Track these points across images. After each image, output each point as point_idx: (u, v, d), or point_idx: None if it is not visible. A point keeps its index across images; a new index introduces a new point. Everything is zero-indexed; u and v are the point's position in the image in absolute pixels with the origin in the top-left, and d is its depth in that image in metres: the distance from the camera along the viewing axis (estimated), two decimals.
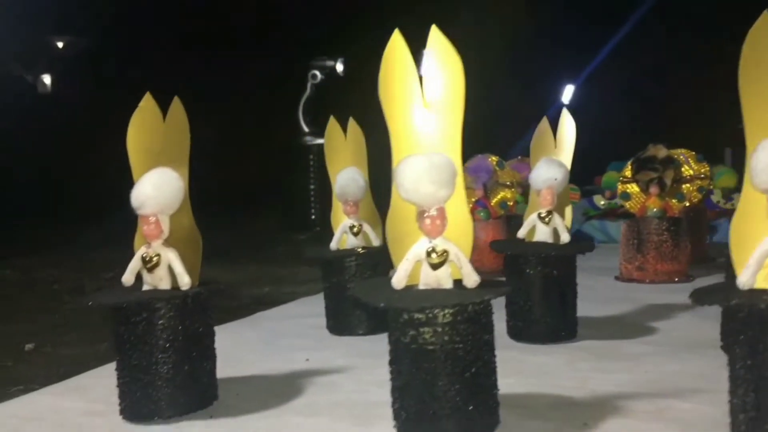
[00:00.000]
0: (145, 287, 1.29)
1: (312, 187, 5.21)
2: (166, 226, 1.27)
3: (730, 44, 1.09)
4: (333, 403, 1.29)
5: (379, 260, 1.86)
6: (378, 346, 1.67)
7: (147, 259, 1.28)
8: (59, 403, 1.37)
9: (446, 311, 1.04)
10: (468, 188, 2.79)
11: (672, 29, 6.19)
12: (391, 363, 1.11)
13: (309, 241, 4.29)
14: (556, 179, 1.65)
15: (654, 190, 2.41)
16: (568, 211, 1.77)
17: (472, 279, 1.10)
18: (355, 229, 1.84)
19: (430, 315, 1.04)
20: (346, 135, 1.90)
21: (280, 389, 1.39)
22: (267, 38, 6.16)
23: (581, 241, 3.53)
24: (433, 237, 1.09)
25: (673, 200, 2.52)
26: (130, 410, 1.24)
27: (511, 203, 2.84)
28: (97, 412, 1.30)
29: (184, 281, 1.27)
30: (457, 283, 1.11)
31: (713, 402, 1.13)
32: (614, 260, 2.58)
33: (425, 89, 1.12)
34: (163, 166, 1.29)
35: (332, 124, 1.90)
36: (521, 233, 1.72)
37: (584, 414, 1.17)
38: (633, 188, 2.58)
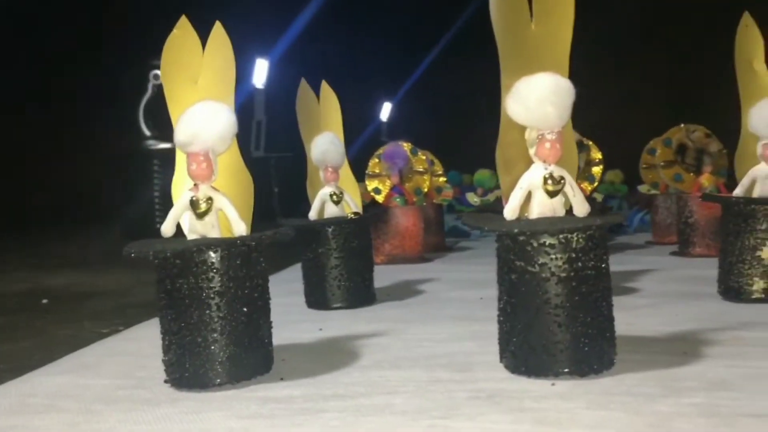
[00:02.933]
0: (191, 237, 1.12)
1: (156, 194, 4.86)
2: (216, 166, 1.11)
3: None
4: (403, 358, 1.19)
5: (366, 228, 1.77)
6: (383, 314, 1.60)
7: (197, 202, 1.10)
8: (83, 381, 1.14)
9: (579, 236, 1.00)
10: (384, 174, 2.76)
11: (469, 61, 6.78)
12: (506, 297, 1.04)
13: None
14: None
15: None
16: None
17: (585, 207, 1.07)
18: (335, 198, 1.73)
19: (563, 240, 1.00)
20: (319, 99, 1.79)
21: (327, 352, 1.26)
22: (103, 34, 5.71)
23: (461, 235, 3.64)
24: (551, 162, 1.05)
25: (585, 183, 2.66)
26: (185, 377, 1.06)
27: (426, 189, 2.84)
28: (131, 384, 1.10)
29: (241, 228, 1.12)
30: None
31: None
32: None
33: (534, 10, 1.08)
34: (206, 98, 1.13)
35: (304, 87, 1.79)
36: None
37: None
38: None
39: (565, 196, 1.06)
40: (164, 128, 4.94)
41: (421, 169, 2.85)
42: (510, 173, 1.08)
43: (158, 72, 4.92)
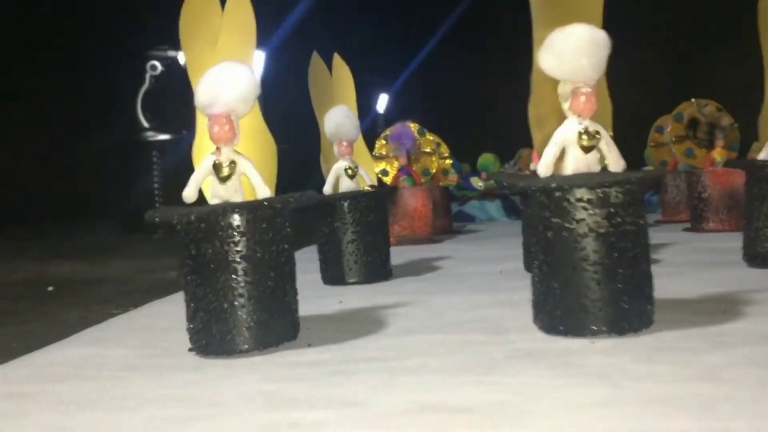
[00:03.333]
0: (214, 201, 1.09)
1: (156, 186, 4.81)
2: (239, 129, 1.08)
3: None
4: (431, 325, 1.16)
5: (382, 203, 1.74)
6: (402, 288, 1.57)
7: (220, 166, 1.07)
8: (104, 351, 1.10)
9: (617, 190, 0.97)
10: (391, 156, 2.73)
11: (468, 50, 6.78)
12: (542, 256, 1.01)
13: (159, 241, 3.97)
14: None
15: None
16: None
17: (621, 163, 1.04)
18: (350, 172, 1.70)
19: (601, 194, 0.97)
20: (331, 72, 1.76)
21: (351, 321, 1.23)
22: (100, 23, 5.65)
23: (465, 220, 3.62)
24: (586, 117, 1.02)
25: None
26: (211, 344, 1.03)
27: (434, 171, 2.81)
28: (155, 354, 1.06)
29: (265, 193, 1.08)
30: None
31: None
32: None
33: None
34: (226, 59, 1.09)
35: (316, 60, 1.75)
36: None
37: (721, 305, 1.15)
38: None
39: (600, 152, 1.03)
40: (162, 119, 4.93)
41: (428, 150, 2.82)
42: (542, 129, 1.05)
43: (155, 63, 4.91)
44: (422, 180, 2.76)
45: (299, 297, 1.13)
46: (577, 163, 1.03)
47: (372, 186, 1.69)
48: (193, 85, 1.10)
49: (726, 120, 2.55)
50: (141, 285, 2.21)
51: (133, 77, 4.93)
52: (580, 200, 0.97)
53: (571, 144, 1.02)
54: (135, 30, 5.40)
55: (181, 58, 4.92)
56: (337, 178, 1.70)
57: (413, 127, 2.79)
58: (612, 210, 0.97)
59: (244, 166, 1.08)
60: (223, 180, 1.07)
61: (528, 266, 1.68)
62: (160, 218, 1.04)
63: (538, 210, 1.02)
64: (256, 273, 1.03)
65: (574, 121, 1.02)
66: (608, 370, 0.83)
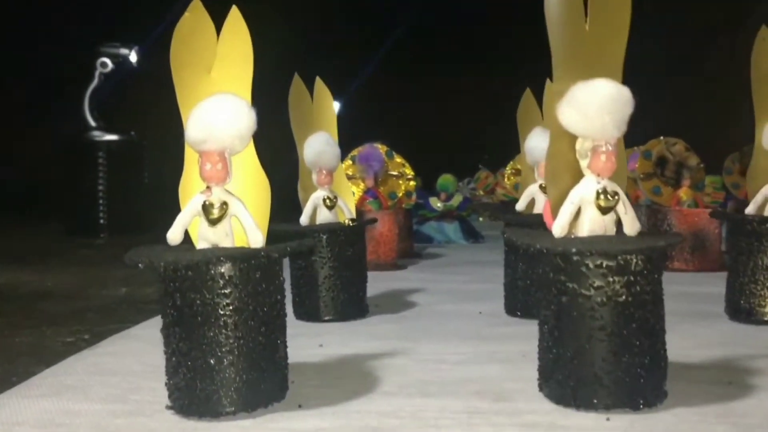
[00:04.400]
0: (202, 245, 1.00)
1: (101, 187, 4.61)
2: (231, 167, 1.00)
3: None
4: (428, 383, 1.09)
5: (362, 236, 1.66)
6: (381, 329, 1.50)
7: (211, 207, 0.98)
8: (71, 406, 1.00)
9: (638, 258, 0.93)
10: (358, 177, 2.66)
11: (415, 61, 6.80)
12: (554, 321, 0.96)
13: (104, 247, 3.81)
14: None
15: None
16: None
17: (636, 226, 1.00)
18: (329, 202, 1.62)
19: (622, 262, 0.92)
20: (312, 98, 1.68)
21: (339, 374, 1.15)
22: (47, 18, 5.41)
23: (422, 240, 3.58)
24: (605, 176, 0.97)
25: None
26: (194, 404, 0.94)
27: (401, 194, 2.75)
28: (128, 410, 0.97)
29: (258, 238, 1.00)
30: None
31: None
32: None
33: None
34: (221, 90, 1.01)
35: (297, 83, 1.67)
36: (520, 206, 1.64)
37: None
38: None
39: (617, 213, 0.99)
40: (110, 119, 4.74)
41: (395, 173, 2.76)
42: (557, 185, 0.99)
43: (106, 60, 4.72)
44: (388, 203, 2.70)
45: None
46: (593, 224, 0.98)
47: (351, 219, 1.62)
48: (183, 116, 1.01)
49: (693, 160, 2.57)
50: (92, 303, 2.08)
51: (81, 72, 4.74)
52: (599, 266, 0.92)
53: (588, 204, 0.97)
54: (85, 22, 5.20)
55: (133, 56, 4.76)
56: (314, 209, 1.62)
57: (381, 148, 2.73)
58: (632, 278, 0.92)
59: (235, 207, 1.00)
60: (213, 222, 0.99)
61: (510, 310, 1.63)
62: (144, 263, 0.94)
63: (551, 272, 0.96)
64: (247, 328, 0.95)
65: (593, 180, 0.97)
66: None
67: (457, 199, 4.01)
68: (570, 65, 0.98)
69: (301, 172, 1.65)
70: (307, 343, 1.36)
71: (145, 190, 4.49)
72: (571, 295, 0.94)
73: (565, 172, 1.00)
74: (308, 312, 1.60)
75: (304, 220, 1.61)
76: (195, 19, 1.03)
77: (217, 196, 0.99)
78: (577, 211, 0.98)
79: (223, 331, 0.94)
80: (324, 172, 1.61)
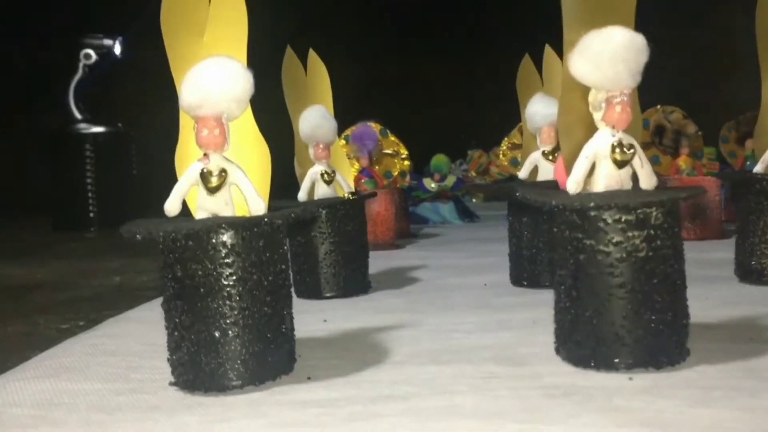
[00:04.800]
0: (201, 215, 0.95)
1: (89, 180, 4.54)
2: (230, 133, 0.95)
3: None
4: (440, 351, 1.06)
5: (362, 211, 1.62)
6: (387, 304, 1.46)
7: (209, 175, 0.94)
8: (70, 386, 0.95)
9: (658, 211, 0.89)
10: (352, 157, 2.62)
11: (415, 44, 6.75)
12: (571, 281, 0.92)
13: (94, 240, 3.76)
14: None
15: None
16: None
17: (653, 180, 0.96)
18: (327, 177, 1.58)
19: (641, 215, 0.89)
20: (306, 70, 1.63)
21: (347, 346, 1.12)
22: (30, 10, 5.32)
23: (418, 222, 3.55)
24: (620, 128, 0.93)
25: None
26: (199, 378, 0.90)
27: (396, 173, 2.71)
28: (130, 388, 0.93)
29: (259, 207, 0.96)
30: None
31: None
32: None
33: None
34: (214, 54, 0.96)
35: (290, 56, 1.62)
36: (523, 174, 1.61)
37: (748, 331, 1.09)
38: None
39: (632, 167, 0.95)
40: (96, 111, 4.67)
41: (390, 152, 2.72)
42: (570, 140, 0.96)
43: (89, 51, 4.64)
44: (384, 182, 2.66)
45: None
46: (609, 179, 0.94)
47: (351, 193, 1.57)
48: (177, 82, 0.96)
49: (691, 128, 2.54)
50: (84, 292, 2.03)
51: (66, 62, 4.66)
52: (618, 221, 0.88)
53: (603, 158, 0.94)
54: (67, 14, 5.11)
55: (117, 47, 4.68)
56: (312, 184, 1.58)
57: (375, 127, 2.68)
58: (652, 232, 0.89)
59: (235, 175, 0.95)
60: (212, 191, 0.94)
61: (516, 281, 1.60)
62: (142, 235, 0.90)
63: (567, 230, 0.92)
64: (253, 298, 0.91)
65: (607, 132, 0.93)
66: (668, 417, 0.75)
67: (451, 180, 3.97)
68: (581, 13, 0.94)
69: (297, 148, 1.61)
70: (311, 319, 1.32)
71: (135, 182, 4.43)
72: (589, 252, 0.90)
73: (578, 126, 0.96)
74: (309, 289, 1.56)
75: (302, 195, 1.57)
76: None
77: (215, 163, 0.94)
78: (591, 167, 0.95)
79: (227, 302, 0.89)
80: (321, 146, 1.57)
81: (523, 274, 1.56)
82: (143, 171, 4.41)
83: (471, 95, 6.03)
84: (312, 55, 1.64)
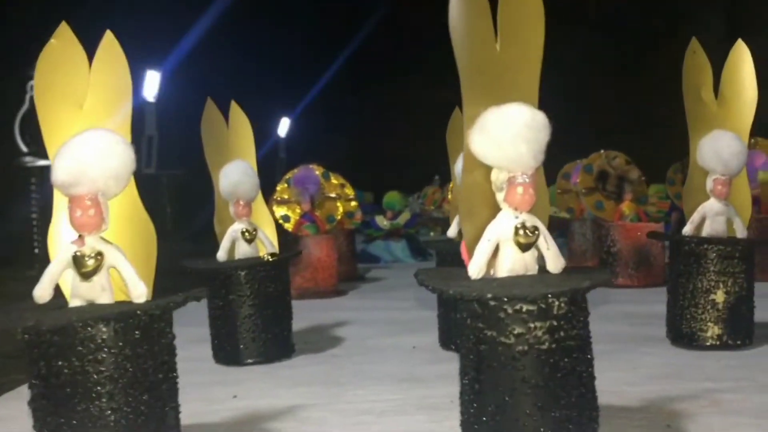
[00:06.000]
0: (75, 303, 0.88)
1: (34, 216, 4.41)
2: (107, 212, 0.88)
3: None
4: None
5: (285, 271, 1.55)
6: (306, 372, 1.39)
7: (83, 259, 0.86)
8: None
9: (561, 300, 0.84)
10: (294, 201, 2.55)
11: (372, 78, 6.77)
12: (474, 374, 0.86)
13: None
14: None
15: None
16: None
17: (560, 262, 0.91)
18: (248, 235, 1.51)
19: (543, 305, 0.83)
20: (228, 123, 1.57)
21: None
22: None
23: (369, 260, 3.49)
24: (523, 210, 0.88)
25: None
26: None
27: (339, 216, 2.65)
28: None
29: (140, 291, 0.88)
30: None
31: None
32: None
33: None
34: (94, 126, 0.89)
35: (210, 107, 1.55)
36: (452, 232, 1.56)
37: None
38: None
39: (538, 249, 0.90)
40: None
41: (333, 195, 2.65)
42: (473, 221, 0.90)
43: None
44: (326, 227, 2.59)
45: (187, 383, 0.94)
46: (512, 263, 0.88)
47: (272, 254, 1.50)
48: (50, 156, 0.89)
49: (634, 173, 2.52)
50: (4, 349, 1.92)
51: (11, 94, 4.55)
52: (518, 312, 0.83)
53: (506, 241, 0.88)
54: (15, 42, 4.99)
55: None
56: (232, 243, 1.51)
57: (317, 170, 2.62)
58: (555, 323, 0.83)
59: (113, 257, 0.88)
60: (87, 276, 0.87)
61: (444, 343, 1.54)
62: (0, 325, 0.82)
63: (469, 318, 0.87)
64: (127, 398, 0.83)
65: (510, 214, 0.88)
66: None
67: (404, 217, 3.93)
68: (481, 88, 0.89)
69: (217, 204, 1.54)
70: (221, 393, 1.25)
71: None
72: (490, 343, 0.84)
73: (481, 206, 0.90)
74: (228, 356, 1.48)
75: (221, 255, 1.50)
76: (62, 46, 0.92)
77: (90, 246, 0.87)
78: (496, 249, 0.89)
79: (96, 402, 0.82)
80: (242, 203, 1.50)
81: (452, 338, 1.50)
82: None
83: (431, 128, 6.02)
84: (234, 107, 1.57)
